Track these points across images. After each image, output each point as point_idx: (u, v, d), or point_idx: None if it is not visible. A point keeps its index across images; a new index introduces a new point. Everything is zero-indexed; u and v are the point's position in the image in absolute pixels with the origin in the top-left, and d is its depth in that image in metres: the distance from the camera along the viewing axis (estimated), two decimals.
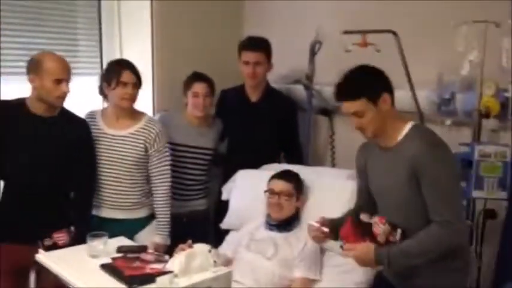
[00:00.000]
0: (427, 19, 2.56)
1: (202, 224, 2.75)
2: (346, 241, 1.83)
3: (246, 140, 2.76)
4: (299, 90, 2.98)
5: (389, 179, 1.80)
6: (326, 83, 2.81)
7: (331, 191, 2.38)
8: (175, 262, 1.77)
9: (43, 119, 2.19)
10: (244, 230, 2.41)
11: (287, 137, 2.83)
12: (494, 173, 2.20)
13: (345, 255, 1.84)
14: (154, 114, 2.90)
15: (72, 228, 2.18)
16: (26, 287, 2.28)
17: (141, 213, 2.49)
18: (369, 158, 1.92)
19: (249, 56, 2.69)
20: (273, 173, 2.42)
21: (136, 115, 2.48)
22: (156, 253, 2.02)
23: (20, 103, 2.19)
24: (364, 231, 1.81)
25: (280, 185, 2.33)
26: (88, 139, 2.35)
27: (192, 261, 1.75)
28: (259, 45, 2.71)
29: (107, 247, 2.00)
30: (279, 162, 2.78)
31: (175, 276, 1.68)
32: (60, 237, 2.10)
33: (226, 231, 2.59)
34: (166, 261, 1.88)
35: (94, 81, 2.97)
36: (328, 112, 2.96)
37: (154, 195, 2.48)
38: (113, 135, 2.41)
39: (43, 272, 2.05)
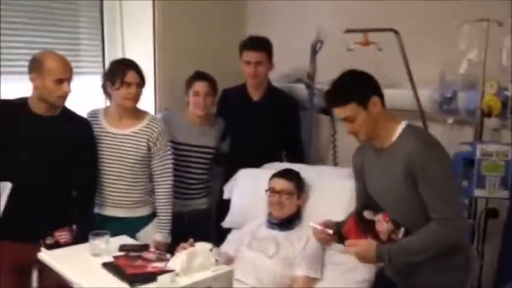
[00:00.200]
0: (429, 18, 2.56)
1: (203, 223, 2.75)
2: (348, 237, 1.83)
3: (248, 139, 2.77)
4: (301, 89, 2.98)
5: (386, 179, 1.81)
6: (328, 82, 2.80)
7: (332, 189, 2.38)
8: (177, 261, 1.77)
9: (44, 119, 2.20)
10: (245, 229, 2.41)
11: (289, 136, 2.83)
12: (496, 172, 2.20)
13: (346, 251, 1.85)
14: (156, 113, 2.90)
15: (74, 226, 2.19)
16: (28, 285, 2.31)
17: (143, 212, 2.50)
18: (365, 160, 1.93)
19: (250, 55, 2.69)
20: (274, 171, 2.43)
21: (139, 114, 2.49)
22: (157, 252, 2.03)
23: (21, 103, 2.20)
24: (367, 228, 1.82)
25: (281, 184, 2.33)
26: (90, 138, 2.36)
27: (194, 260, 1.75)
28: (261, 45, 2.72)
29: (109, 246, 2.01)
30: (281, 161, 2.78)
31: (177, 274, 1.68)
32: (62, 235, 2.11)
33: (228, 230, 2.59)
34: (167, 260, 1.89)
35: (96, 81, 2.99)
36: (329, 111, 2.95)
37: (156, 194, 2.49)
38: (116, 134, 2.42)
39: (45, 270, 2.06)
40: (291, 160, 2.78)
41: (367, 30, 2.50)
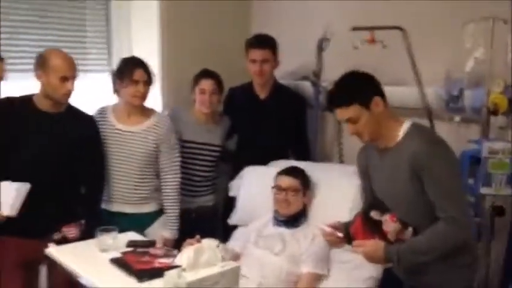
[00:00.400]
0: (435, 16, 2.55)
1: (210, 220, 2.77)
2: (355, 237, 1.83)
3: (254, 137, 2.78)
4: (306, 86, 2.98)
5: (392, 179, 1.80)
6: (334, 79, 2.81)
7: (338, 187, 2.38)
8: (184, 257, 1.78)
9: (50, 116, 2.22)
10: (252, 226, 2.42)
11: (295, 134, 2.84)
12: (503, 169, 2.20)
13: (354, 251, 1.85)
14: (162, 111, 2.91)
15: (82, 222, 2.21)
16: (36, 280, 2.33)
17: (150, 208, 2.52)
18: (370, 159, 1.93)
19: (256, 53, 2.70)
20: (280, 169, 2.44)
21: (147, 112, 2.51)
22: (164, 248, 2.05)
23: (26, 100, 2.22)
24: (374, 229, 1.81)
25: (287, 181, 2.34)
26: (95, 135, 2.38)
27: (200, 256, 1.76)
28: (266, 43, 2.72)
29: (117, 241, 2.02)
30: (287, 158, 2.78)
31: (184, 270, 1.69)
32: (70, 231, 2.13)
33: (234, 227, 2.60)
34: (174, 256, 1.90)
35: (102, 79, 3.01)
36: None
37: (164, 191, 2.51)
38: (124, 131, 2.44)
39: (53, 266, 2.08)
40: (297, 158, 2.78)
41: (374, 28, 2.50)
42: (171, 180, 2.50)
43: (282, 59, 2.79)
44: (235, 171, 2.77)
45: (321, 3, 3.00)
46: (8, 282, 2.18)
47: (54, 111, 2.22)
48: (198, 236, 1.98)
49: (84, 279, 1.83)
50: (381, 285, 2.17)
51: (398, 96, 2.28)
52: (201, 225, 2.52)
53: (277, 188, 2.34)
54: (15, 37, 2.63)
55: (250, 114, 2.79)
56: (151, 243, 2.09)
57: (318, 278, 2.18)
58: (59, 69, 2.14)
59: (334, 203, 2.33)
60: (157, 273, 1.77)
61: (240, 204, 2.62)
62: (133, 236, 2.18)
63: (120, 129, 2.45)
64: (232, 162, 2.88)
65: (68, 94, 2.19)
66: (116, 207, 2.47)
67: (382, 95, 1.80)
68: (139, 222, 2.44)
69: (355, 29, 2.53)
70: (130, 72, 2.39)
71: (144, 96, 2.43)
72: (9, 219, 2.04)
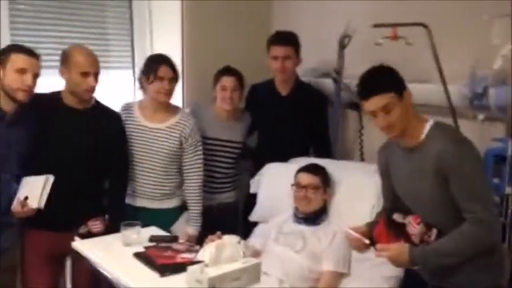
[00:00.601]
0: (459, 12, 2.51)
1: (231, 217, 2.78)
2: (379, 241, 1.80)
3: (275, 134, 2.78)
4: (327, 84, 2.97)
5: (415, 179, 1.77)
6: (355, 76, 2.78)
7: (359, 185, 2.37)
8: (206, 252, 1.80)
9: (77, 111, 2.26)
10: (272, 223, 2.42)
11: (316, 131, 2.83)
12: None
13: (378, 256, 1.81)
14: (184, 108, 2.93)
15: (106, 217, 2.25)
16: (62, 273, 2.38)
17: (172, 204, 2.55)
18: (391, 158, 1.90)
19: (278, 50, 2.69)
20: (300, 166, 2.43)
21: (172, 109, 2.54)
22: (186, 243, 2.07)
23: (55, 95, 2.27)
24: (398, 232, 1.79)
25: (307, 178, 2.34)
26: (120, 132, 2.42)
27: (222, 252, 1.78)
28: (288, 40, 2.72)
29: (140, 236, 2.06)
30: (308, 156, 2.78)
31: (206, 265, 1.71)
32: (95, 225, 2.17)
33: (255, 224, 2.61)
34: (196, 251, 1.92)
35: (125, 75, 3.05)
36: (357, 106, 2.94)
37: (187, 188, 2.54)
38: (150, 128, 2.48)
39: (78, 259, 2.12)
40: (318, 155, 2.78)
41: (396, 25, 2.48)
42: (194, 178, 2.53)
43: (302, 56, 2.78)
44: (255, 168, 2.78)
45: None
46: (36, 275, 2.23)
47: (80, 107, 2.27)
48: (218, 233, 2.00)
49: (108, 272, 1.86)
50: (404, 284, 2.15)
51: (421, 94, 2.24)
52: (222, 221, 2.55)
53: (297, 185, 2.35)
54: (38, 34, 2.67)
55: (271, 111, 2.79)
56: (174, 239, 2.12)
57: (339, 276, 2.18)
58: (80, 64, 2.18)
59: (355, 201, 2.32)
60: (179, 268, 1.80)
61: (260, 201, 2.63)
62: (155, 231, 2.21)
63: (146, 126, 2.48)
64: (253, 159, 2.89)
65: (90, 90, 2.23)
66: (139, 202, 2.51)
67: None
68: (162, 217, 2.46)
69: (377, 25, 2.51)
70: (155, 68, 2.42)
71: (169, 93, 2.46)
72: (37, 213, 2.08)
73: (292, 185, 2.37)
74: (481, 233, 1.67)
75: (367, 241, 1.87)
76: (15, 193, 2.05)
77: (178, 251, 1.97)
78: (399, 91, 1.73)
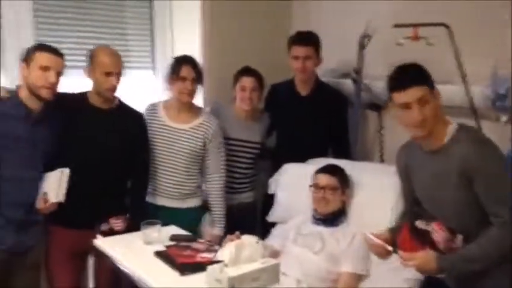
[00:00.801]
0: (481, 12, 2.48)
1: (249, 216, 2.80)
2: (403, 250, 1.77)
3: (295, 134, 2.78)
4: (347, 84, 2.96)
5: (438, 183, 1.74)
6: (375, 76, 2.79)
7: (378, 187, 2.36)
8: (225, 252, 1.80)
9: (102, 111, 2.31)
10: (290, 224, 2.42)
11: (336, 132, 2.82)
12: None
13: (404, 264, 1.79)
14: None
15: (128, 215, 2.28)
16: (84, 270, 2.42)
17: (192, 203, 2.58)
18: (411, 160, 1.87)
19: (299, 50, 2.69)
20: (318, 167, 2.43)
21: (196, 110, 2.57)
22: (206, 242, 2.09)
23: (81, 95, 2.31)
24: (422, 239, 1.76)
25: (325, 179, 2.33)
26: (144, 132, 2.45)
27: (242, 252, 1.79)
28: (309, 40, 2.71)
29: (161, 235, 2.08)
30: (327, 156, 2.78)
31: (225, 265, 1.72)
32: (117, 223, 2.20)
33: (273, 224, 2.62)
34: (216, 251, 1.94)
35: (146, 75, 3.09)
36: (377, 106, 2.93)
37: (210, 189, 2.57)
38: (174, 128, 2.51)
39: (100, 256, 2.15)
40: (337, 156, 2.77)
41: (417, 25, 2.46)
42: (217, 179, 2.56)
43: (322, 55, 2.78)
44: (274, 168, 2.78)
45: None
46: (59, 272, 2.28)
47: (105, 107, 2.31)
48: (237, 233, 2.01)
49: (130, 270, 1.89)
50: (423, 286, 2.13)
51: (443, 95, 2.22)
52: (241, 221, 2.56)
53: (315, 186, 2.34)
54: (61, 34, 2.72)
55: (291, 111, 2.80)
56: (193, 238, 2.14)
57: (357, 278, 2.17)
58: (103, 64, 2.22)
59: (375, 203, 2.31)
60: (199, 267, 1.82)
61: (278, 202, 2.63)
62: (175, 230, 2.24)
63: (169, 126, 2.52)
64: (271, 159, 2.90)
65: (112, 89, 2.27)
66: (160, 201, 2.54)
67: None
68: (182, 216, 2.49)
69: (398, 25, 2.49)
70: (178, 69, 2.46)
71: (191, 93, 2.49)
72: (62, 211, 2.13)
73: (310, 185, 2.37)
74: (508, 236, 1.63)
75: (389, 248, 1.85)
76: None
77: (198, 251, 1.98)
78: (432, 87, 1.71)
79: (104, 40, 2.78)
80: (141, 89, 3.02)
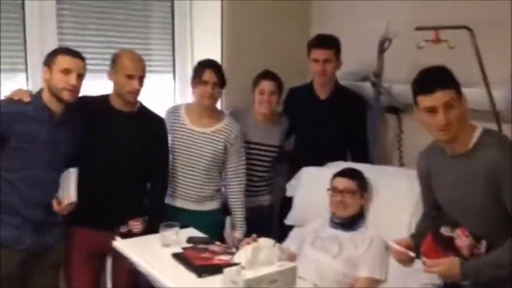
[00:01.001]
0: (503, 15, 2.44)
1: (267, 219, 2.80)
2: (427, 257, 1.75)
3: (314, 137, 2.77)
4: (366, 87, 2.94)
5: (463, 188, 1.71)
6: (395, 80, 2.77)
7: (397, 191, 2.34)
8: (242, 255, 1.82)
9: (124, 114, 2.34)
10: (308, 228, 2.42)
11: (355, 135, 2.81)
12: None
13: (428, 271, 1.77)
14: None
15: (147, 217, 2.30)
16: (103, 271, 2.45)
17: (211, 206, 2.60)
18: (434, 165, 1.84)
19: (319, 53, 2.69)
20: (336, 170, 2.42)
21: (218, 114, 2.60)
22: (223, 245, 2.10)
23: (103, 98, 2.35)
24: (446, 245, 1.74)
25: (343, 183, 2.32)
26: (164, 135, 2.48)
27: (259, 255, 1.79)
28: (329, 43, 2.71)
29: (178, 237, 2.10)
30: (345, 160, 2.76)
31: (243, 268, 1.72)
32: (136, 225, 2.22)
33: (290, 227, 2.61)
34: (233, 253, 1.94)
35: (167, 79, 3.12)
36: (396, 110, 2.90)
37: (231, 193, 2.59)
38: (196, 132, 2.54)
39: (119, 258, 2.18)
40: (355, 159, 2.75)
41: (439, 28, 2.43)
42: (238, 183, 2.58)
43: (341, 59, 2.77)
44: (292, 171, 2.78)
45: (382, 2, 2.94)
46: (78, 272, 2.31)
47: (127, 110, 2.34)
48: (254, 235, 2.02)
49: (148, 272, 1.90)
50: None
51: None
52: (258, 224, 2.56)
53: (333, 190, 2.33)
54: (84, 39, 2.77)
55: (309, 114, 2.79)
56: (210, 240, 2.15)
57: (375, 282, 2.15)
58: (125, 67, 2.26)
59: (394, 207, 2.29)
60: (216, 269, 1.82)
61: (296, 205, 2.63)
62: (192, 232, 2.25)
63: (191, 129, 2.54)
64: (289, 162, 2.90)
65: (134, 92, 2.29)
66: (179, 203, 2.57)
67: None
68: (201, 219, 2.51)
69: (419, 28, 2.47)
70: (201, 72, 2.49)
71: (213, 97, 2.52)
72: (81, 211, 2.16)
73: (328, 189, 2.36)
74: None
75: (412, 254, 1.84)
76: None
77: (215, 253, 1.99)
78: (459, 91, 1.69)
79: (126, 44, 2.82)
80: (162, 92, 3.06)
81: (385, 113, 2.96)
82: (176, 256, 1.97)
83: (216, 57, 2.94)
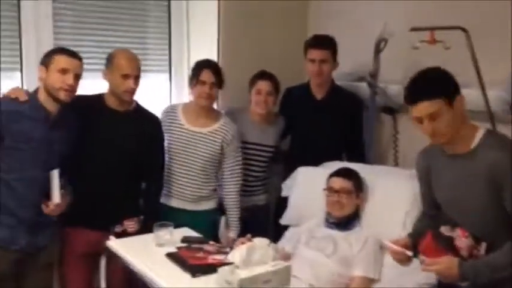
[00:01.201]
0: (498, 15, 2.45)
1: (262, 219, 2.80)
2: (426, 256, 1.75)
3: (309, 138, 2.78)
4: (362, 88, 2.94)
5: (463, 188, 1.71)
6: (391, 80, 2.77)
7: (393, 190, 2.34)
8: (236, 254, 1.82)
9: (119, 113, 2.33)
10: (303, 227, 2.42)
11: (351, 135, 2.81)
12: None
13: (426, 270, 1.77)
14: None
15: (142, 217, 2.30)
16: (96, 271, 2.45)
17: (207, 206, 2.60)
18: (433, 164, 1.84)
19: (315, 53, 2.69)
20: (332, 170, 2.42)
21: (215, 114, 2.60)
22: (217, 245, 2.10)
23: (98, 97, 2.35)
24: (446, 245, 1.73)
25: (339, 183, 2.33)
26: (160, 135, 2.47)
27: (253, 254, 1.80)
28: (326, 43, 2.71)
29: (172, 237, 2.09)
30: (341, 160, 2.76)
31: (237, 267, 1.73)
32: (131, 225, 2.22)
33: (286, 227, 2.61)
34: (227, 253, 1.94)
35: (163, 79, 3.11)
36: (392, 110, 2.91)
37: (226, 192, 2.59)
38: (192, 131, 2.54)
39: (113, 257, 2.18)
40: (351, 159, 2.76)
41: (434, 29, 2.44)
42: (234, 183, 2.58)
43: (338, 60, 2.77)
44: (287, 171, 2.78)
45: (378, 3, 2.95)
46: (72, 272, 2.31)
47: (122, 109, 2.34)
48: (248, 235, 2.02)
49: (141, 272, 1.90)
50: None
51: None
52: (254, 224, 2.56)
53: (330, 190, 2.33)
54: (80, 38, 2.76)
55: (306, 114, 2.80)
56: (205, 240, 2.15)
57: (369, 282, 2.15)
58: (121, 67, 2.25)
59: (389, 206, 2.29)
60: (210, 269, 1.82)
61: (292, 205, 2.63)
62: (186, 231, 2.25)
63: (188, 129, 2.54)
64: (285, 162, 2.90)
65: (130, 91, 2.29)
66: (175, 203, 2.56)
67: (460, 95, 1.71)
68: (197, 219, 2.51)
69: (414, 29, 2.47)
70: (198, 72, 2.50)
71: (210, 98, 2.52)
72: (76, 211, 2.16)
73: (324, 189, 2.36)
74: None
75: (409, 253, 1.84)
76: None
77: (209, 252, 1.99)
78: (449, 97, 1.66)
79: (122, 44, 2.82)
80: (158, 92, 3.06)
81: (380, 113, 2.96)
82: (170, 256, 1.97)
83: (213, 57, 2.94)
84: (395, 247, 1.86)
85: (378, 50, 2.82)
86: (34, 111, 2.08)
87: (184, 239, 2.13)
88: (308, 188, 2.55)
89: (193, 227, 2.30)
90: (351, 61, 2.99)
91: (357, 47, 2.95)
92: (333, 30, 2.86)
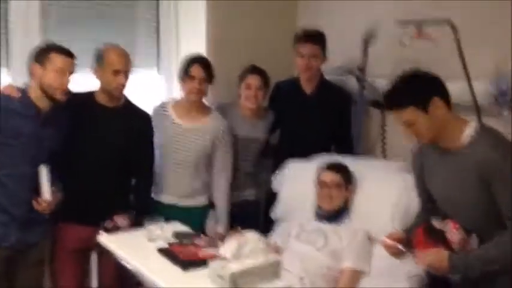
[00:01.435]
0: (484, 9, 2.47)
1: (252, 214, 2.80)
2: (417, 248, 1.78)
3: (299, 132, 2.78)
4: (351, 81, 2.96)
5: (455, 183, 1.72)
6: (379, 74, 2.79)
7: (381, 183, 2.37)
8: (227, 248, 1.82)
9: (109, 109, 2.33)
10: (294, 221, 2.44)
11: (339, 129, 2.83)
12: None
13: (419, 263, 1.79)
14: None
15: (133, 212, 2.30)
16: (87, 267, 2.45)
17: (199, 201, 2.61)
18: (427, 160, 1.85)
19: (305, 48, 2.69)
20: (322, 163, 2.44)
21: (205, 109, 2.60)
22: (208, 239, 2.11)
23: (89, 94, 2.34)
24: (437, 238, 1.75)
25: (330, 176, 2.34)
26: (149, 132, 2.47)
27: (244, 248, 1.80)
28: (315, 38, 2.71)
29: (164, 232, 2.10)
30: (330, 153, 2.78)
31: (228, 261, 1.73)
32: (120, 220, 2.22)
33: (276, 222, 2.63)
34: (218, 247, 1.95)
35: (151, 75, 3.10)
36: (380, 104, 2.92)
37: (216, 187, 2.60)
38: (183, 127, 2.53)
39: (103, 253, 2.18)
40: (340, 153, 2.77)
41: (421, 22, 2.45)
42: (224, 177, 2.59)
43: (327, 54, 2.78)
44: (277, 165, 2.79)
45: None
46: (64, 268, 2.31)
47: (111, 105, 2.33)
48: (238, 227, 2.03)
49: (133, 267, 1.90)
50: (429, 283, 2.12)
51: None
52: (244, 219, 2.57)
53: (320, 183, 2.35)
54: (66, 33, 2.71)
55: (295, 108, 2.80)
56: (196, 234, 2.16)
57: (359, 274, 2.18)
58: (111, 62, 2.25)
59: (378, 198, 2.32)
60: (202, 263, 1.84)
61: (282, 199, 2.64)
62: (178, 226, 2.26)
63: (179, 124, 2.54)
64: (274, 157, 2.91)
65: (120, 87, 2.29)
66: (167, 199, 2.56)
67: (445, 96, 1.71)
68: (189, 214, 2.51)
69: (401, 22, 2.49)
70: (188, 68, 2.49)
71: (200, 92, 2.51)
72: (67, 207, 2.15)
73: (315, 183, 2.37)
74: None
75: (401, 247, 1.85)
76: None
77: (200, 247, 2.00)
78: (421, 104, 1.67)
79: (109, 39, 2.77)
80: (147, 87, 3.05)
81: (369, 107, 2.98)
82: (161, 251, 1.98)
83: (202, 51, 2.94)
84: (388, 241, 1.88)
85: (366, 44, 2.83)
86: (25, 108, 2.08)
87: (176, 234, 2.14)
88: (298, 181, 2.57)
89: (185, 222, 2.30)
90: (340, 55, 2.99)
91: (345, 41, 2.96)
92: (322, 24, 2.86)
